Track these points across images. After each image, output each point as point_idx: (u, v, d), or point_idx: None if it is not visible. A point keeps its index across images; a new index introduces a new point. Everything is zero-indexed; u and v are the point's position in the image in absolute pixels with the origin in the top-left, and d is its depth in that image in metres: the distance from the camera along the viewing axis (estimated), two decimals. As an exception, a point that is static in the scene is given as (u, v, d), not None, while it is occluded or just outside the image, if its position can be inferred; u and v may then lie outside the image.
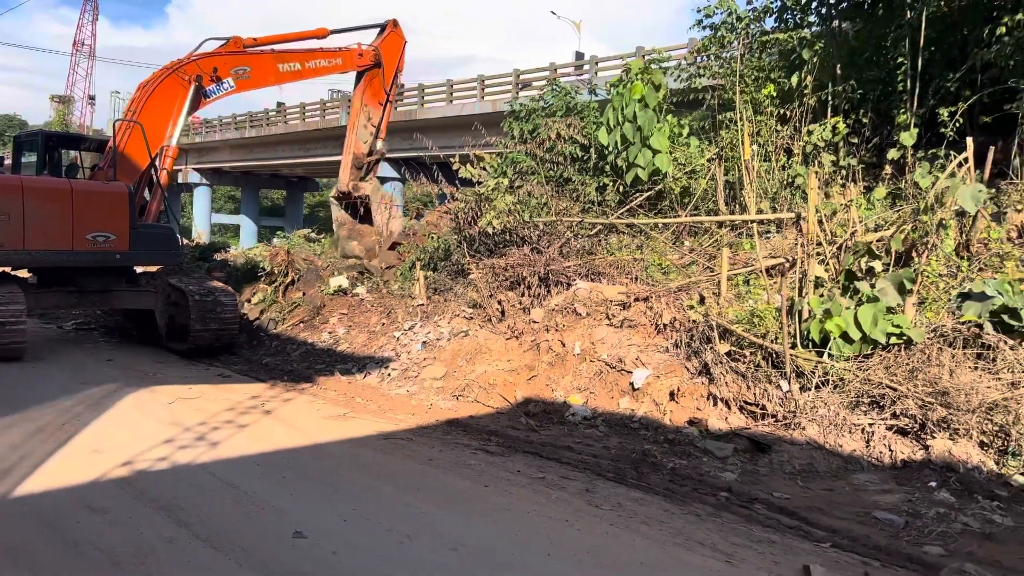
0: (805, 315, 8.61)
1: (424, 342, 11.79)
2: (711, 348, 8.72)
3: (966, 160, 10.43)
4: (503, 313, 11.92)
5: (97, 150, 14.22)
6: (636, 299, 10.59)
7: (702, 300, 10.40)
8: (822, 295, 8.51)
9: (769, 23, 14.95)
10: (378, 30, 16.41)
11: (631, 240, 13.14)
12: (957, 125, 11.52)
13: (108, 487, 6.00)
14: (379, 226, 16.14)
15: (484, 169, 13.52)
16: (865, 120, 13.48)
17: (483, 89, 38.90)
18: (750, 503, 6.32)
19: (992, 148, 10.36)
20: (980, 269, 9.12)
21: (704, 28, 15.43)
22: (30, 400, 8.81)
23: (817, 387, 7.85)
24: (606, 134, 13.73)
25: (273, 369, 11.87)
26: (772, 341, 8.53)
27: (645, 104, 13.38)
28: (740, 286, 11.21)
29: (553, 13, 49.45)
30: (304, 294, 14.50)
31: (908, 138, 11.94)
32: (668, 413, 8.68)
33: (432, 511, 5.72)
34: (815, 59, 13.33)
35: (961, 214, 9.73)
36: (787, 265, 10.72)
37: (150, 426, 7.87)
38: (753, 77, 13.81)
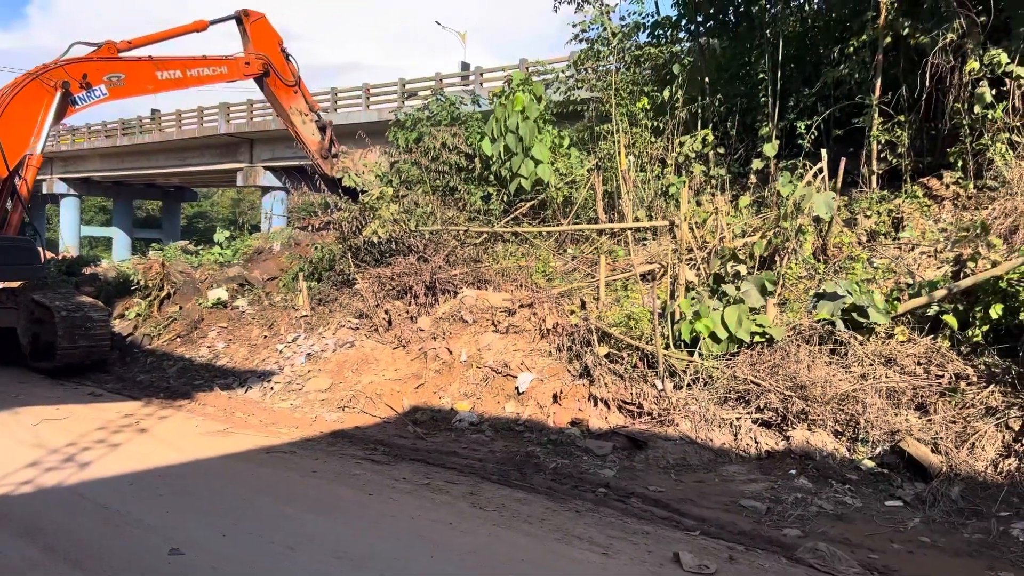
0: (676, 317, 9.06)
1: (308, 354, 11.63)
2: (591, 351, 9.03)
3: (821, 170, 11.24)
4: (390, 322, 11.91)
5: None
6: (521, 305, 10.84)
7: (583, 305, 10.75)
8: (692, 298, 8.98)
9: (642, 38, 15.63)
10: (237, 25, 15.67)
11: (516, 248, 13.41)
12: (813, 137, 12.39)
13: (-35, 515, 5.67)
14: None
15: (370, 179, 13.47)
16: (731, 132, 14.29)
17: (368, 98, 38.61)
18: (626, 497, 6.61)
19: (843, 159, 11.19)
20: (835, 271, 9.84)
21: (580, 42, 15.96)
22: None
23: (689, 385, 8.28)
24: (489, 144, 13.97)
25: (148, 386, 11.42)
26: (647, 342, 8.92)
27: (526, 115, 13.71)
28: (619, 291, 11.67)
29: (438, 23, 49.74)
30: (181, 308, 14.00)
31: (770, 149, 12.75)
32: (551, 415, 8.92)
33: (315, 521, 5.70)
34: (684, 74, 14.03)
35: (817, 220, 10.49)
36: (660, 270, 11.24)
37: (12, 449, 7.45)
38: (628, 90, 14.38)
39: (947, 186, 11.99)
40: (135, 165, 54.96)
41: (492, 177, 14.81)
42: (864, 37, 12.07)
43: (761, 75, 13.38)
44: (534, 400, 9.16)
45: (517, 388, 9.37)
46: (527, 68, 30.88)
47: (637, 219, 13.04)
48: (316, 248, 15.02)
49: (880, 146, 12.15)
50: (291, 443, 8.34)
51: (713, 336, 8.46)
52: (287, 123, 16.52)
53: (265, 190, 49.02)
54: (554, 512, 6.17)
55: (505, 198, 13.75)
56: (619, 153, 13.41)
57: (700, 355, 8.46)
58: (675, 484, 6.99)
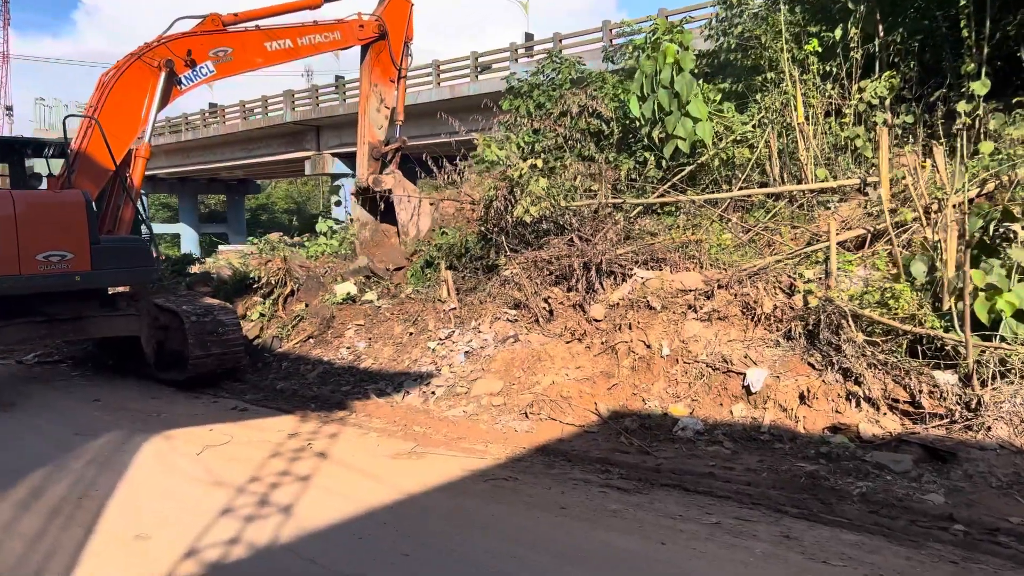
0: (949, 292, 7.40)
1: (467, 352, 10.26)
2: (843, 338, 7.43)
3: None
4: (551, 313, 10.47)
5: (62, 155, 12.21)
6: (719, 286, 9.25)
7: (792, 284, 9.15)
8: (982, 269, 7.26)
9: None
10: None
11: (672, 221, 11.81)
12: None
13: (174, 594, 4.40)
14: (403, 225, 14.31)
15: (512, 150, 11.97)
16: (911, 75, 12.41)
17: (439, 75, 37.08)
18: (992, 535, 5.04)
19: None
20: None
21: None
22: (22, 462, 7.03)
23: (994, 377, 6.63)
24: (637, 104, 12.34)
25: (292, 396, 10.19)
26: (918, 324, 7.28)
27: (679, 68, 12.03)
28: (821, 263, 10.00)
29: (500, -7, 47.77)
30: (307, 305, 12.76)
31: (980, 87, 10.85)
32: (800, 420, 7.36)
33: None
34: (862, 7, 12.16)
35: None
36: (868, 236, 9.54)
37: (191, 490, 6.20)
38: (793, 32, 12.56)
39: None
40: (199, 160, 54.69)
41: (639, 142, 13.21)
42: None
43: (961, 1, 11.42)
44: (773, 401, 7.60)
45: (747, 387, 7.82)
46: (666, 16, 28.94)
47: (824, 178, 11.30)
48: (444, 233, 13.64)
49: None
50: (500, 465, 6.95)
51: (1019, 315, 6.78)
52: (362, 99, 14.98)
53: (334, 177, 48.19)
54: (920, 564, 4.64)
55: (663, 164, 12.11)
56: (796, 104, 11.65)
57: (1003, 339, 6.79)
58: (1036, 512, 5.39)
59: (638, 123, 12.79)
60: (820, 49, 12.25)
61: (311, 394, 10.17)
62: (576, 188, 11.76)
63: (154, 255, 11.40)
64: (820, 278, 9.31)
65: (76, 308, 10.93)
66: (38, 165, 13.06)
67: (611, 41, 29.85)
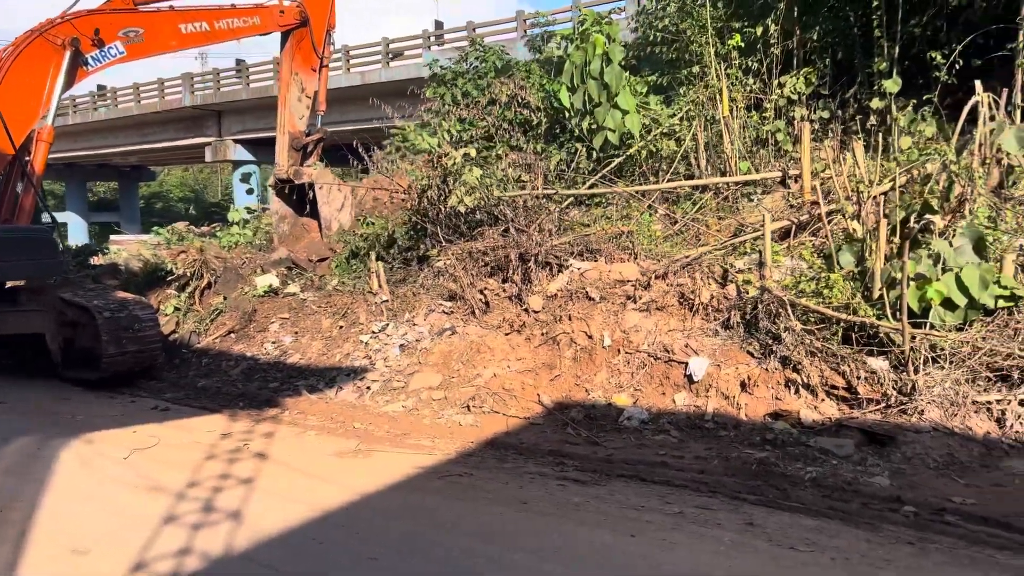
0: (882, 281, 7.69)
1: (402, 345, 10.03)
2: (784, 327, 7.62)
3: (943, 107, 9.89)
4: (487, 304, 10.36)
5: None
6: (656, 276, 9.35)
7: (725, 274, 9.35)
8: (910, 259, 7.57)
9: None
10: None
11: (602, 212, 11.89)
12: (947, 69, 11.00)
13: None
14: (326, 219, 13.80)
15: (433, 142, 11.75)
16: (826, 72, 12.88)
17: (348, 61, 36.22)
18: (940, 515, 5.25)
19: (1004, 89, 9.86)
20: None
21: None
22: (-78, 476, 6.42)
23: (925, 363, 6.93)
24: (567, 95, 12.35)
25: (217, 393, 9.72)
26: (852, 313, 7.54)
27: (608, 59, 12.10)
28: (749, 253, 10.26)
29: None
30: (225, 298, 12.20)
31: (892, 85, 11.37)
32: (743, 407, 7.52)
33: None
34: (782, 4, 12.52)
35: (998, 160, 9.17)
36: (793, 227, 9.86)
37: (126, 498, 5.80)
38: (716, 27, 12.81)
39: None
40: (88, 144, 51.75)
41: (567, 133, 13.23)
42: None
43: (874, 1, 11.90)
44: (715, 389, 7.74)
45: (689, 376, 7.93)
46: (580, 9, 28.86)
47: (753, 170, 11.59)
48: (370, 223, 13.31)
49: (1025, 76, 10.83)
50: (450, 461, 6.81)
51: (947, 303, 7.11)
52: (282, 88, 14.44)
53: (236, 164, 46.44)
54: (879, 546, 4.79)
55: (593, 155, 12.16)
56: (722, 98, 11.89)
57: (932, 326, 7.11)
58: (973, 491, 5.65)
59: (567, 114, 12.81)
60: (743, 44, 12.55)
61: (237, 391, 9.73)
62: (508, 178, 11.67)
63: (59, 246, 10.66)
64: (751, 268, 9.55)
65: (-29, 304, 10.12)
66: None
67: (525, 32, 29.87)
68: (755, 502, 5.60)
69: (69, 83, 11.27)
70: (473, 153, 10.85)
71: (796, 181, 11.49)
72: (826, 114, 12.45)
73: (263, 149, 45.32)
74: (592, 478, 6.25)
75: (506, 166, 11.52)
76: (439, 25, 36.34)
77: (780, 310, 7.76)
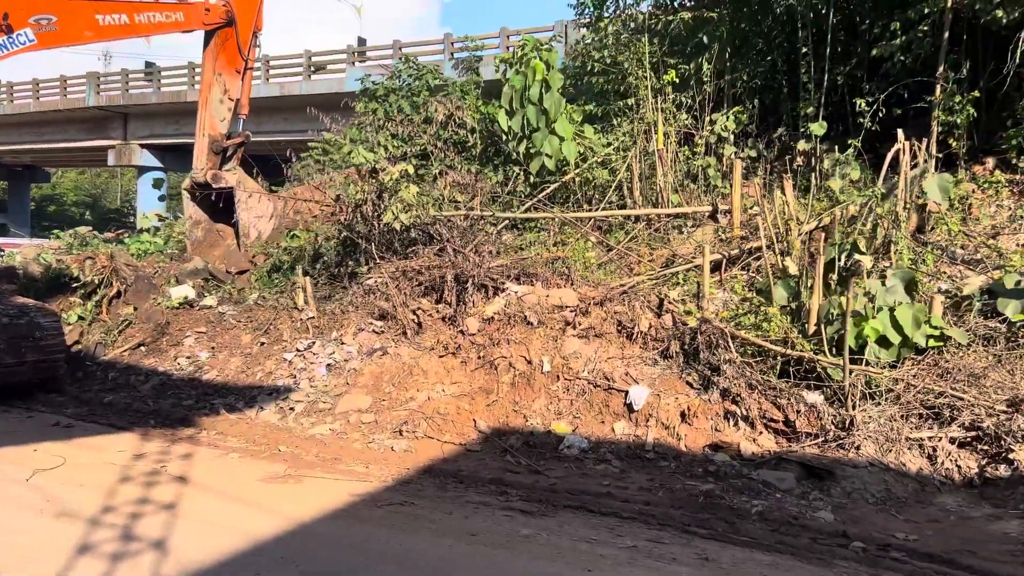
0: (814, 318, 7.86)
1: (329, 364, 9.63)
2: (725, 359, 7.66)
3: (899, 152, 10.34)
4: (420, 325, 10.07)
5: None
6: (594, 303, 9.30)
7: (660, 303, 9.39)
8: (842, 293, 7.74)
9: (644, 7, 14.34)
10: None
11: (535, 236, 11.84)
12: (869, 116, 11.49)
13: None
14: (244, 226, 13.15)
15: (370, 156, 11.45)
16: (754, 112, 13.28)
17: (268, 71, 35.34)
18: (886, 551, 5.30)
19: (924, 138, 10.35)
20: (971, 262, 8.90)
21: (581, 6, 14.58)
22: None
23: (863, 398, 7.07)
24: (505, 118, 12.29)
25: (125, 410, 9.07)
26: (790, 347, 7.66)
27: (548, 86, 12.12)
28: (684, 283, 10.38)
29: (333, -6, 46.44)
30: (136, 309, 11.46)
31: (818, 128, 11.79)
32: (682, 438, 7.51)
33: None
34: (717, 44, 12.86)
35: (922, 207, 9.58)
36: (723, 260, 10.04)
37: (33, 523, 5.23)
38: (651, 62, 13.03)
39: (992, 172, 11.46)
40: (-26, 140, 48.61)
41: (502, 155, 13.16)
42: (926, 9, 11.26)
43: (803, 48, 12.37)
44: (655, 419, 7.70)
45: (629, 405, 7.88)
46: (507, 36, 28.92)
47: (684, 203, 11.77)
48: (294, 236, 12.82)
49: (941, 128, 11.42)
50: (388, 488, 6.49)
51: (882, 340, 7.30)
52: (203, 88, 13.82)
53: (141, 170, 44.56)
54: (836, 582, 4.78)
55: (530, 180, 12.11)
56: (657, 131, 12.06)
57: (867, 363, 7.28)
58: (912, 527, 5.75)
59: (504, 137, 12.74)
60: (677, 80, 12.79)
61: (148, 408, 9.11)
62: (444, 197, 11.48)
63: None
64: (685, 299, 9.64)
65: None
66: None
67: (452, 54, 29.89)
68: (706, 536, 5.53)
69: (-28, 70, 10.45)
70: (411, 170, 10.60)
71: (726, 216, 11.74)
72: (753, 153, 12.80)
73: (171, 155, 43.64)
74: (538, 508, 6.06)
75: (445, 185, 11.30)
76: (362, 41, 35.96)
77: (720, 341, 7.81)
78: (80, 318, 11.17)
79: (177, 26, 12.52)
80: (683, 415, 7.62)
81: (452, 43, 30.65)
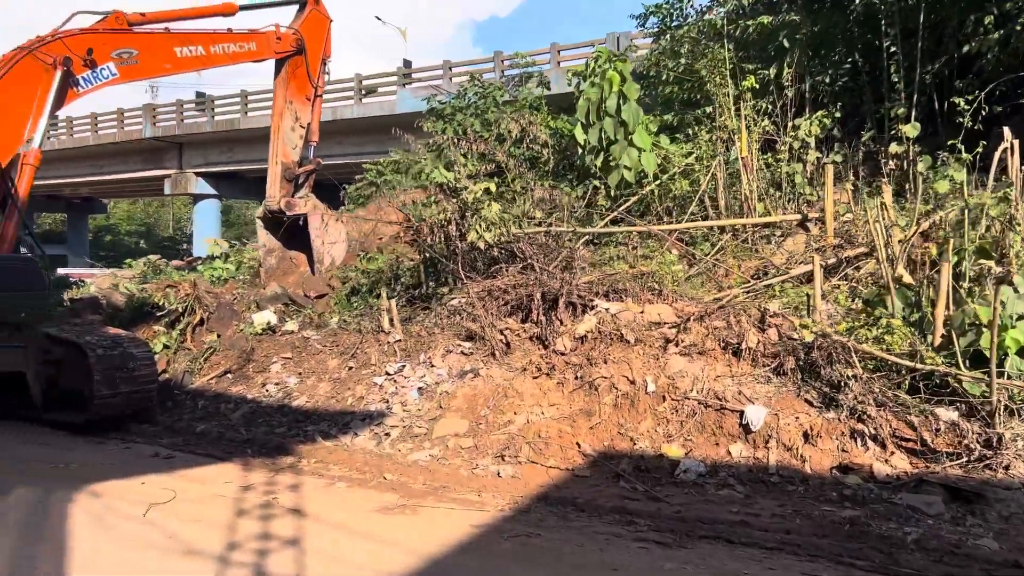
0: (940, 329, 7.42)
1: (420, 388, 9.42)
2: (850, 375, 7.24)
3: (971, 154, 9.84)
4: (508, 345, 9.82)
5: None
6: (692, 319, 8.94)
7: (762, 318, 8.98)
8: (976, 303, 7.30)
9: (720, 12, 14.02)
10: (296, 7, 13.52)
11: (615, 251, 11.54)
12: (971, 115, 10.98)
13: None
14: (318, 252, 13.11)
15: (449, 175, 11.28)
16: (838, 114, 12.86)
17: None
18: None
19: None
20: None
21: (650, 16, 14.32)
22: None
23: (1012, 415, 6.61)
24: (582, 131, 12.06)
25: (219, 439, 8.95)
26: (919, 361, 7.21)
27: (624, 97, 11.86)
28: (780, 295, 9.99)
29: (379, 19, 46.97)
30: (219, 336, 11.42)
31: (911, 130, 11.34)
32: (807, 460, 7.10)
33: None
34: (796, 48, 12.48)
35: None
36: (819, 269, 9.59)
37: (163, 564, 5.06)
38: (729, 69, 12.70)
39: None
40: (39, 174, 49.86)
41: (576, 169, 12.93)
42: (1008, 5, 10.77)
43: (890, 48, 11.93)
44: (775, 440, 7.30)
45: (745, 426, 7.49)
46: (558, 51, 28.83)
47: (773, 211, 11.39)
48: (371, 259, 12.71)
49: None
50: (507, 518, 6.22)
51: (1022, 351, 6.84)
52: (275, 116, 13.91)
53: (197, 198, 45.34)
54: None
55: (610, 193, 11.84)
56: (740, 138, 11.71)
57: (1009, 376, 6.82)
58: (1089, 554, 5.29)
59: (579, 150, 12.51)
60: (757, 86, 12.44)
61: (241, 437, 8.98)
62: (523, 215, 11.26)
63: (47, 278, 9.85)
64: (786, 311, 9.24)
65: (-57, 339, 9.22)
66: None
67: (503, 72, 29.86)
68: (866, 568, 5.13)
69: (58, 104, 10.57)
70: (493, 188, 10.40)
71: (816, 224, 11.32)
72: (839, 157, 12.37)
73: (225, 183, 44.36)
74: (672, 539, 5.72)
75: (530, 202, 11.08)
76: (407, 64, 36.16)
77: (842, 356, 7.40)
78: (165, 346, 11.16)
79: (250, 56, 12.57)
80: (806, 435, 7.21)
81: (503, 60, 30.62)
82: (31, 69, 10.20)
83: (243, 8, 12.10)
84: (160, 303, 11.52)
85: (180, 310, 11.47)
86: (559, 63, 29.32)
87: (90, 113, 44.77)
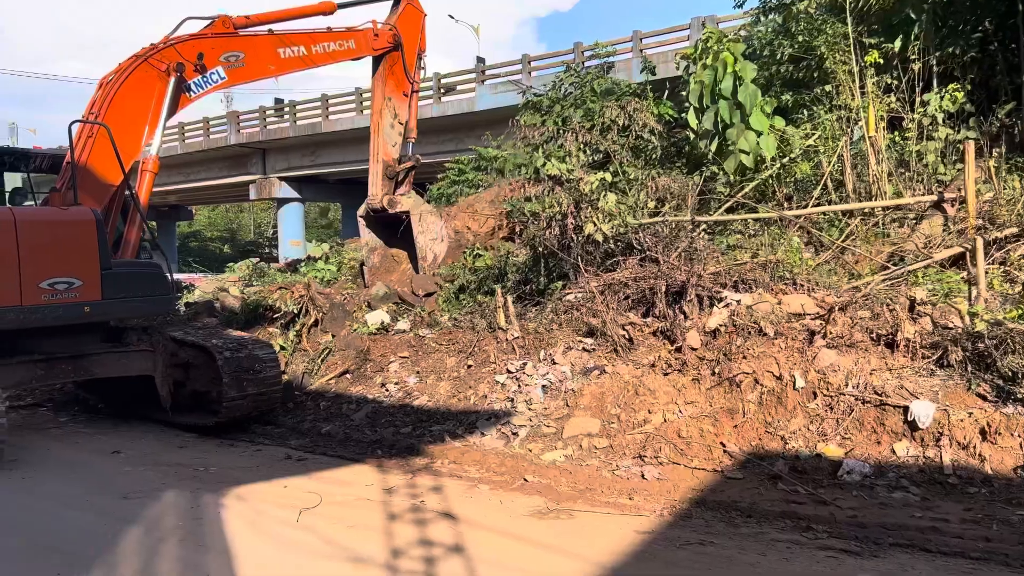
0: None
1: (544, 386, 9.14)
2: (1030, 366, 6.65)
3: None
4: (631, 341, 9.46)
5: (51, 169, 10.64)
6: (834, 309, 8.40)
7: (912, 306, 8.38)
8: None
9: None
10: (391, 2, 13.41)
11: (735, 239, 11.01)
12: None
13: None
14: (422, 249, 13.01)
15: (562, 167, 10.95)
16: (968, 87, 12.01)
17: (401, 95, 35.86)
18: None
19: None
20: None
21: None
22: (67, 541, 5.57)
23: None
24: (695, 116, 11.58)
25: (346, 440, 8.86)
26: (1111, 350, 6.56)
27: (739, 79, 11.32)
28: (922, 282, 9.34)
29: (451, 17, 47.16)
30: (334, 336, 11.40)
31: (1059, 103, 10.47)
32: (986, 459, 6.53)
33: None
34: (923, 18, 11.72)
35: None
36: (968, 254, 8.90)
37: (340, 573, 4.90)
38: (848, 43, 12.00)
39: None
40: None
41: (686, 156, 12.46)
42: None
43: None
44: (947, 438, 6.75)
45: (911, 423, 6.95)
46: (640, 39, 28.22)
47: (905, 192, 10.71)
48: (478, 255, 12.52)
49: None
50: (670, 524, 5.87)
51: None
52: (374, 114, 13.75)
53: (280, 202, 46.33)
54: None
55: (732, 180, 11.34)
56: (868, 116, 11.05)
57: None
58: None
59: (691, 136, 12.04)
60: (881, 61, 11.73)
61: (367, 438, 8.85)
62: (637, 205, 10.86)
63: (170, 282, 9.94)
64: (933, 299, 8.62)
65: (77, 344, 9.37)
66: (10, 180, 11.46)
67: (583, 63, 29.41)
68: (1097, 581, 4.62)
69: (173, 110, 10.65)
70: (609, 178, 10.04)
71: (954, 204, 10.59)
72: (972, 133, 11.57)
73: (308, 186, 45.19)
74: (859, 547, 5.28)
75: (645, 191, 10.68)
76: (480, 60, 36.04)
77: (1020, 346, 6.80)
78: (282, 348, 11.17)
79: (348, 54, 12.50)
80: (983, 432, 6.64)
81: (583, 52, 30.18)
82: (146, 77, 10.29)
83: (341, 6, 12.02)
84: (275, 305, 11.55)
85: (296, 312, 11.48)
86: (641, 51, 28.76)
87: (178, 123, 46.13)
